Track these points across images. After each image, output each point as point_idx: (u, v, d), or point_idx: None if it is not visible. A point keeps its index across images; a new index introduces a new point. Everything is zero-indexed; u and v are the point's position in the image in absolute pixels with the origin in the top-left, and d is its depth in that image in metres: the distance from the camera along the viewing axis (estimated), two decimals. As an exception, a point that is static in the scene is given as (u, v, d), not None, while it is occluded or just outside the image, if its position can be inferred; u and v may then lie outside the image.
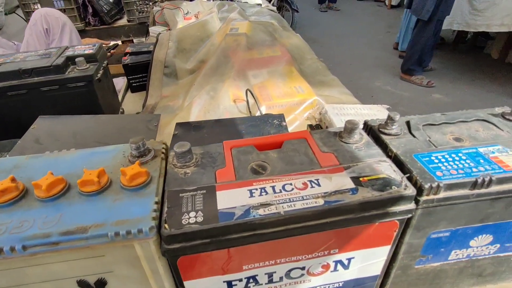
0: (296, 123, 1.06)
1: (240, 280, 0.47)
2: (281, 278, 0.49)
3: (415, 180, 0.44)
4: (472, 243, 0.52)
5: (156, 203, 0.42)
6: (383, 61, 3.66)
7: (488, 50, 3.52)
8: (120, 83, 1.45)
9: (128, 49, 1.35)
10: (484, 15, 2.78)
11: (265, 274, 0.47)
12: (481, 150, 0.48)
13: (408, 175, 0.45)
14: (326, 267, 0.49)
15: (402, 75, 3.22)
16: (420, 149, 0.49)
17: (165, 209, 0.41)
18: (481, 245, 0.53)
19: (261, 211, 0.40)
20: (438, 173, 0.44)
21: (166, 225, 0.39)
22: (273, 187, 0.44)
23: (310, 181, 0.45)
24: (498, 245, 0.53)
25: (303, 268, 0.48)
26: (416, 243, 0.50)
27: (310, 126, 0.97)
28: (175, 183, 0.46)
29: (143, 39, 2.22)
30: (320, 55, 3.95)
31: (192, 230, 0.39)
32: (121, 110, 1.18)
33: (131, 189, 0.43)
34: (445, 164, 0.46)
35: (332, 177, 0.45)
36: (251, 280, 0.48)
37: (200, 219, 0.40)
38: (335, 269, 0.50)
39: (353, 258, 0.49)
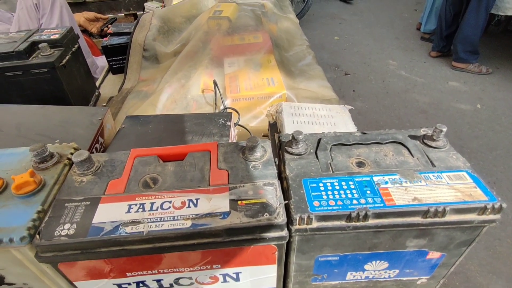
0: (261, 116, 1.05)
1: (129, 284, 0.50)
2: (171, 285, 0.51)
3: (290, 208, 0.43)
4: (367, 267, 0.51)
5: (39, 212, 0.45)
6: (403, 43, 3.44)
7: (521, 35, 3.20)
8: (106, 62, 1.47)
9: (111, 30, 1.35)
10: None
11: (153, 280, 0.50)
12: (375, 178, 0.47)
13: (286, 202, 0.44)
14: (214, 278, 0.51)
15: (456, 64, 2.89)
16: (314, 173, 0.48)
17: (45, 219, 0.44)
18: (378, 269, 0.52)
19: (128, 229, 0.42)
20: (315, 203, 0.43)
21: (38, 236, 0.42)
22: (152, 204, 0.45)
23: (190, 200, 0.45)
24: (397, 271, 0.53)
25: (190, 278, 0.50)
26: (305, 264, 0.50)
27: (270, 123, 0.96)
28: (67, 192, 0.48)
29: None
30: (337, 33, 3.76)
31: (61, 243, 0.41)
32: (96, 93, 1.21)
33: (19, 197, 0.46)
34: (329, 192, 0.45)
35: (212, 198, 0.45)
36: (140, 285, 0.50)
37: (72, 231, 0.42)
38: (225, 281, 0.52)
39: (240, 272, 0.50)
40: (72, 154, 0.54)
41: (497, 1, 2.57)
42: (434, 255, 0.50)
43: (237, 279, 0.52)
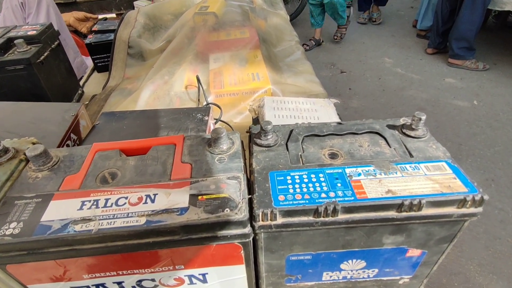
0: (245, 112, 1.01)
1: (88, 287, 0.47)
2: (134, 287, 0.48)
3: (253, 203, 0.40)
4: (343, 266, 0.48)
5: (-15, 210, 0.41)
6: (398, 40, 3.40)
7: (519, 30, 3.16)
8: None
9: (95, 27, 1.33)
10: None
11: (114, 282, 0.47)
12: (348, 170, 0.43)
13: (250, 196, 0.41)
14: (179, 280, 0.48)
15: (452, 60, 2.83)
16: (282, 165, 0.45)
17: (-9, 217, 0.41)
18: (356, 269, 0.49)
19: (78, 227, 0.39)
20: (281, 197, 0.40)
21: (-20, 236, 0.39)
22: (106, 200, 0.42)
23: (147, 195, 0.42)
24: (377, 270, 0.49)
25: (153, 280, 0.47)
26: (276, 263, 0.47)
27: (253, 119, 0.93)
28: (20, 189, 0.45)
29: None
30: (332, 31, 3.70)
31: (4, 243, 0.38)
32: (79, 92, 1.18)
33: (-35, 194, 0.43)
34: (296, 186, 0.41)
35: (171, 193, 0.42)
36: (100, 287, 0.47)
37: (17, 231, 0.39)
38: (192, 283, 0.48)
39: (207, 273, 0.47)
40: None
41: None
42: (414, 252, 0.46)
43: (204, 280, 0.48)
